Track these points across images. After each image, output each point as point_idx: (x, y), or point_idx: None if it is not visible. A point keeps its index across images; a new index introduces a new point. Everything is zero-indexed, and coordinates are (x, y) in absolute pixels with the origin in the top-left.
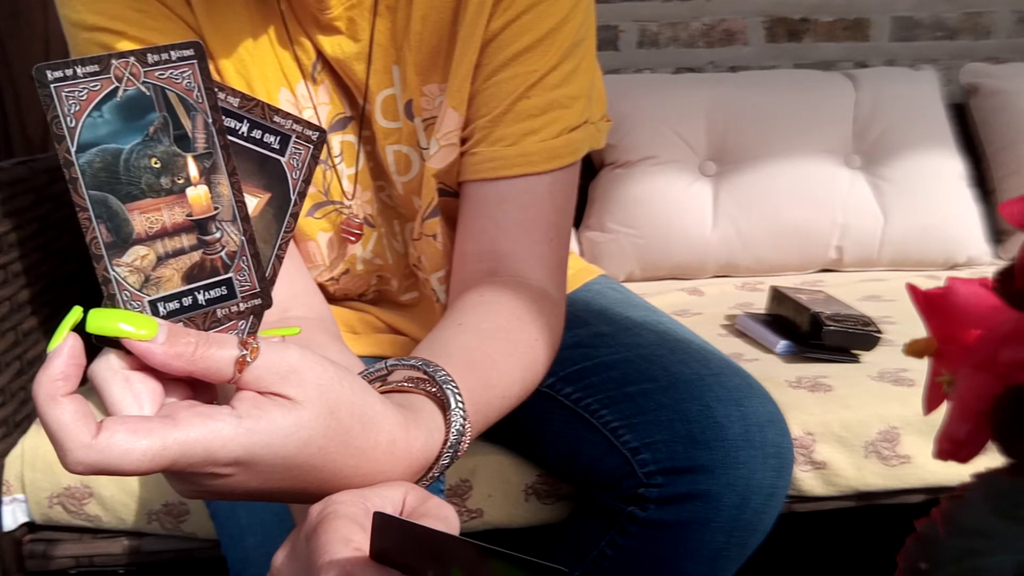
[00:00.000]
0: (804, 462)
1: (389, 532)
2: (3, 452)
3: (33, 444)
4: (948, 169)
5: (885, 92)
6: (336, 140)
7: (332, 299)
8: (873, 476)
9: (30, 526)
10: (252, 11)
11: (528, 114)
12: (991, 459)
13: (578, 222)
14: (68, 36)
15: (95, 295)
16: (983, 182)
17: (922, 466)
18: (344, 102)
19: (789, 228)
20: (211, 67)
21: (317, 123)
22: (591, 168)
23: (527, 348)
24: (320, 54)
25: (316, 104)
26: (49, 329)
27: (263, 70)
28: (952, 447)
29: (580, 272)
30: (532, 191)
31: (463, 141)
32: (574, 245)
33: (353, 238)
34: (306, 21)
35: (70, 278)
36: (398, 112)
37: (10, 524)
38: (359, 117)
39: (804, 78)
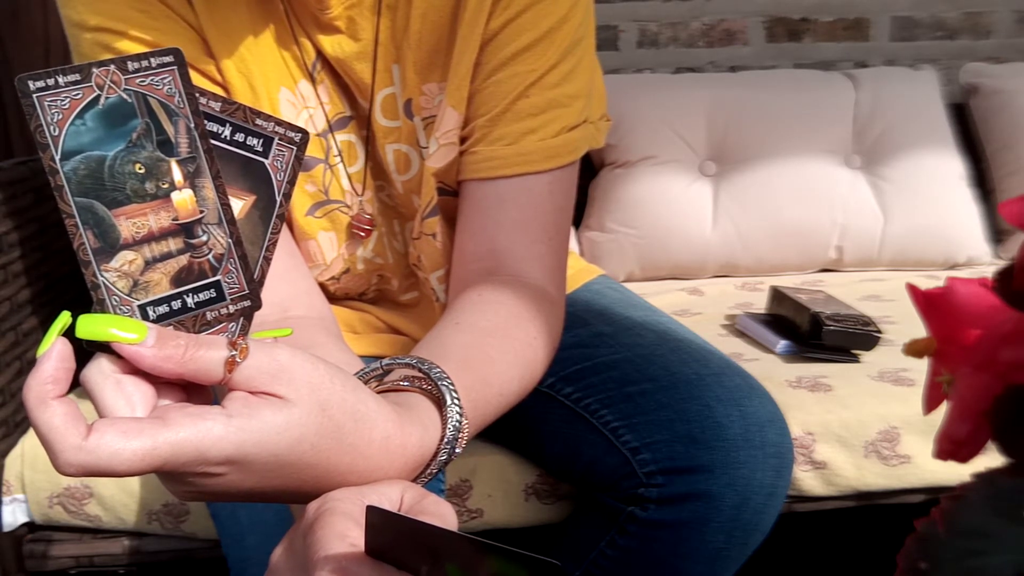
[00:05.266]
0: (804, 462)
1: (383, 527)
2: (3, 452)
3: (33, 444)
4: (948, 169)
5: (885, 92)
6: (337, 139)
7: (332, 298)
8: (873, 476)
9: (30, 526)
10: (253, 10)
11: (527, 113)
12: (991, 459)
13: (578, 222)
14: (69, 36)
15: None
16: (983, 182)
17: (922, 466)
18: (344, 101)
19: (789, 228)
20: (213, 66)
21: (318, 122)
22: (591, 168)
23: (525, 346)
24: (319, 53)
25: (320, 103)
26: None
27: (264, 69)
28: (952, 447)
29: (580, 272)
30: (531, 190)
31: (462, 140)
32: (574, 245)
33: (363, 233)
34: (306, 20)
35: (70, 278)
36: (397, 111)
37: (10, 524)
38: (360, 116)
39: (804, 78)
